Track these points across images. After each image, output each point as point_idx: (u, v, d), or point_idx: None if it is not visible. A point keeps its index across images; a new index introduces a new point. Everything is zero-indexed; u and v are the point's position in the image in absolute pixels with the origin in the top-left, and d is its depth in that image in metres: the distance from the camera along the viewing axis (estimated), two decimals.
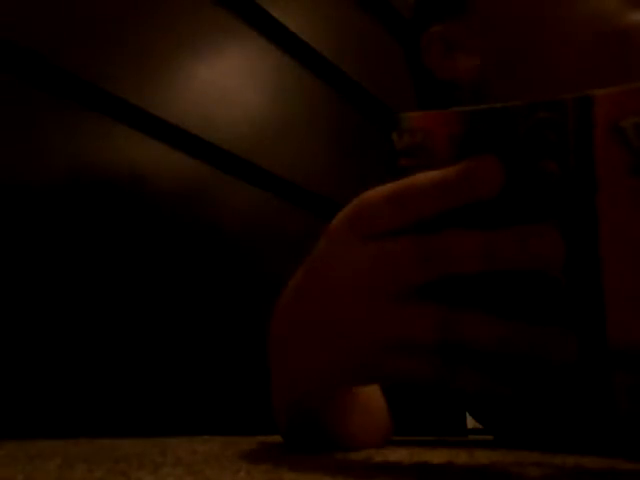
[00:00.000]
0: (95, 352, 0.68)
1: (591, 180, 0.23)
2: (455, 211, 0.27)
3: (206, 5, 0.86)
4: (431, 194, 0.27)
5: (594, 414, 0.27)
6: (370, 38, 1.18)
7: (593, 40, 0.47)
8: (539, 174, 0.25)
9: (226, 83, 0.88)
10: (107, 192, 0.72)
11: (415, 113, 0.28)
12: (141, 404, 0.71)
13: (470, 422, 1.10)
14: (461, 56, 0.54)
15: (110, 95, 0.73)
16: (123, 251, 0.72)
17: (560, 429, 0.48)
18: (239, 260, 0.87)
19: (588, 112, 0.23)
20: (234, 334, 0.83)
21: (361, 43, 1.15)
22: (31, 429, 0.59)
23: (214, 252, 0.84)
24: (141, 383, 0.71)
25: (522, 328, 0.26)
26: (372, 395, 0.46)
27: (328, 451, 0.37)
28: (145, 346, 0.73)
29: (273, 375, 0.37)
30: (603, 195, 0.23)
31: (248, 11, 0.91)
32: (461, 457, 0.37)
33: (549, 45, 0.49)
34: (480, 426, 0.68)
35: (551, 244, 0.25)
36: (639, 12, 0.47)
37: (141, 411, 0.71)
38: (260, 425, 0.39)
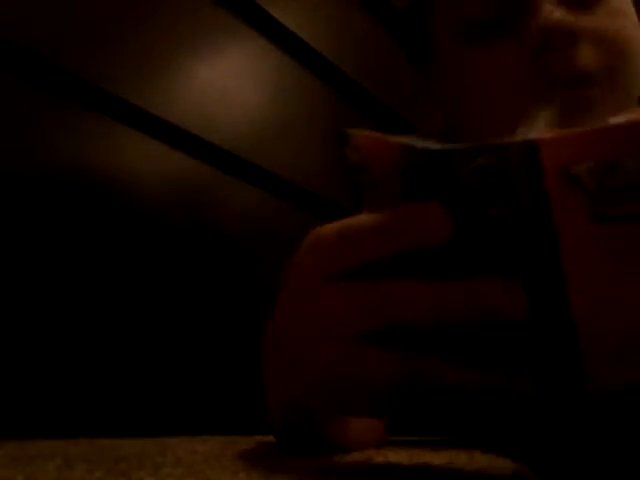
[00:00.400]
0: (95, 352, 0.68)
1: (550, 228, 0.22)
2: (407, 257, 0.25)
3: (206, 5, 0.86)
4: (373, 239, 0.26)
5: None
6: (370, 38, 1.18)
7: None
8: (490, 221, 0.23)
9: (226, 83, 0.88)
10: (107, 192, 0.72)
11: (363, 133, 0.27)
12: (141, 404, 0.71)
13: None
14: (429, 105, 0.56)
15: (110, 95, 0.72)
16: (123, 251, 0.72)
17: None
18: (239, 260, 0.87)
19: (535, 158, 0.22)
20: (234, 334, 0.83)
21: (361, 43, 1.15)
22: (31, 429, 0.59)
23: (214, 252, 0.83)
24: (141, 383, 0.71)
25: (487, 377, 0.25)
26: None
27: (323, 452, 0.37)
28: (145, 346, 0.73)
29: (266, 377, 0.37)
30: (565, 243, 0.22)
31: (248, 11, 0.91)
32: (461, 457, 0.37)
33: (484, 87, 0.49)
34: None
35: (511, 296, 0.24)
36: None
37: (141, 411, 0.71)
38: (259, 425, 0.39)
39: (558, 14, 0.47)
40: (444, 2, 0.54)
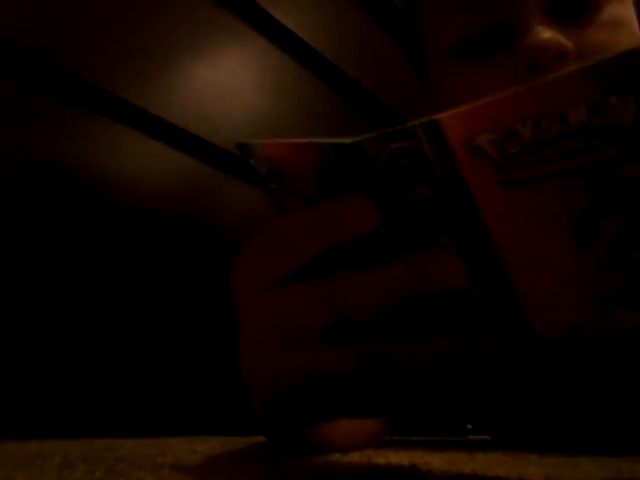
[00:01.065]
0: (95, 352, 0.68)
1: (468, 198, 0.24)
2: (342, 248, 0.26)
3: (206, 5, 0.86)
4: (303, 239, 0.27)
5: (583, 411, 0.28)
6: (370, 38, 1.18)
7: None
8: (415, 201, 0.24)
9: (226, 83, 0.88)
10: (107, 192, 0.72)
11: (267, 142, 0.27)
12: (141, 404, 0.71)
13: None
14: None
15: (110, 95, 0.73)
16: (123, 251, 0.72)
17: (558, 429, 0.48)
18: None
19: (439, 135, 0.23)
20: (233, 334, 0.82)
21: (361, 43, 1.15)
22: (31, 429, 0.59)
23: (214, 252, 0.83)
24: (141, 383, 0.71)
25: (446, 341, 0.26)
26: None
27: (316, 453, 0.37)
28: (145, 346, 0.73)
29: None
30: (485, 210, 0.24)
31: (248, 11, 0.91)
32: (461, 457, 0.37)
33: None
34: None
35: (449, 264, 0.25)
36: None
37: (141, 411, 0.71)
38: (259, 425, 0.39)
39: (547, 34, 0.45)
40: (432, 24, 0.54)
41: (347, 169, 0.25)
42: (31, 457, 0.34)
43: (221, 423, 0.78)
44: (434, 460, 0.35)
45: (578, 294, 0.24)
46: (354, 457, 0.36)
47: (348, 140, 0.25)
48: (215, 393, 0.80)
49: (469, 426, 0.91)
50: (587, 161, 0.22)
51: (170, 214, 0.78)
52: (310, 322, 0.27)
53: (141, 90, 0.76)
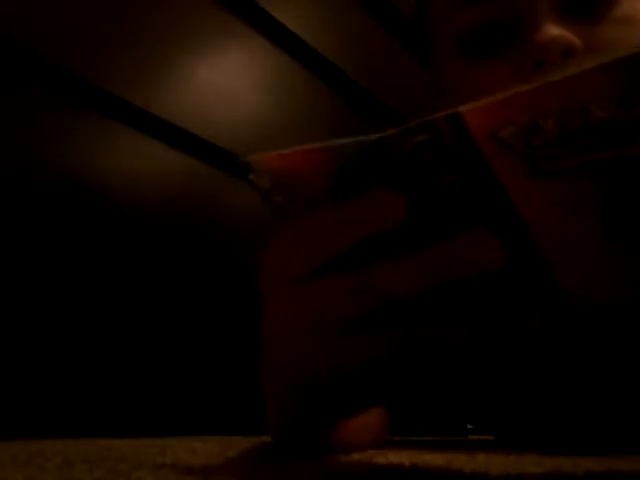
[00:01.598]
0: (95, 352, 0.68)
1: (497, 185, 0.24)
2: (375, 239, 0.26)
3: (206, 5, 0.86)
4: (334, 231, 0.27)
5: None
6: (370, 38, 1.18)
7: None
8: (445, 188, 0.25)
9: (226, 83, 0.88)
10: (107, 191, 0.72)
11: (267, 155, 0.27)
12: (141, 404, 0.71)
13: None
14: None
15: (110, 95, 0.73)
16: (123, 251, 0.72)
17: (558, 429, 0.48)
18: (239, 260, 0.87)
19: (462, 127, 0.23)
20: (233, 334, 0.83)
21: (361, 43, 1.15)
22: (31, 429, 0.59)
23: (214, 252, 0.83)
24: (141, 384, 0.71)
25: (489, 321, 0.26)
26: None
27: (322, 453, 0.37)
28: (145, 346, 0.73)
29: (262, 382, 0.37)
30: (514, 195, 0.24)
31: (248, 11, 0.91)
32: (461, 457, 0.37)
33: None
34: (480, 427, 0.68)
35: (486, 246, 0.25)
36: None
37: (141, 411, 0.71)
38: (259, 425, 0.39)
39: (555, 31, 0.45)
40: (439, 18, 0.54)
41: (369, 166, 0.26)
42: (31, 457, 0.34)
43: (221, 423, 0.78)
44: (434, 460, 0.35)
45: (610, 276, 0.25)
46: (355, 457, 0.36)
47: (372, 137, 0.25)
48: (215, 393, 0.80)
49: (469, 426, 0.91)
50: (612, 155, 0.22)
51: (169, 214, 0.78)
52: (346, 312, 0.27)
53: (141, 90, 0.76)
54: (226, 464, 0.33)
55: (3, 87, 0.64)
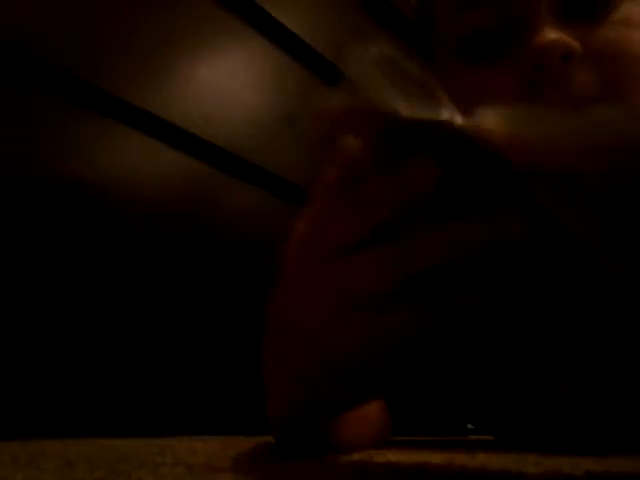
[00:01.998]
0: (95, 352, 0.68)
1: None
2: (407, 212, 0.27)
3: (206, 5, 0.86)
4: (368, 205, 0.27)
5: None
6: (370, 38, 1.18)
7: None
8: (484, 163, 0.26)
9: (226, 83, 0.88)
10: (107, 191, 0.72)
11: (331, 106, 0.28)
12: (141, 404, 0.71)
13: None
14: None
15: (110, 95, 0.73)
16: (123, 251, 0.72)
17: (558, 429, 0.48)
18: (239, 260, 0.87)
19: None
20: (233, 334, 0.83)
21: (361, 43, 1.15)
22: (31, 429, 0.59)
23: (214, 252, 0.83)
24: (141, 383, 0.71)
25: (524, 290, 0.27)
26: None
27: (323, 452, 0.37)
28: (145, 346, 0.73)
29: (266, 375, 0.37)
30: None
31: (248, 11, 0.91)
32: (461, 457, 0.37)
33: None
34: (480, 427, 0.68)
35: (516, 221, 0.26)
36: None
37: (141, 411, 0.71)
38: (259, 425, 0.39)
39: (554, 35, 0.44)
40: (439, 22, 0.54)
41: (412, 139, 0.27)
42: (31, 457, 0.34)
43: (222, 423, 0.78)
44: (434, 460, 0.35)
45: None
46: (355, 457, 0.36)
47: (415, 115, 0.26)
48: (216, 392, 0.80)
49: (469, 426, 0.91)
50: None
51: (169, 214, 0.78)
52: (380, 286, 0.27)
53: (141, 90, 0.76)
54: (226, 464, 0.33)
55: (3, 87, 0.64)
